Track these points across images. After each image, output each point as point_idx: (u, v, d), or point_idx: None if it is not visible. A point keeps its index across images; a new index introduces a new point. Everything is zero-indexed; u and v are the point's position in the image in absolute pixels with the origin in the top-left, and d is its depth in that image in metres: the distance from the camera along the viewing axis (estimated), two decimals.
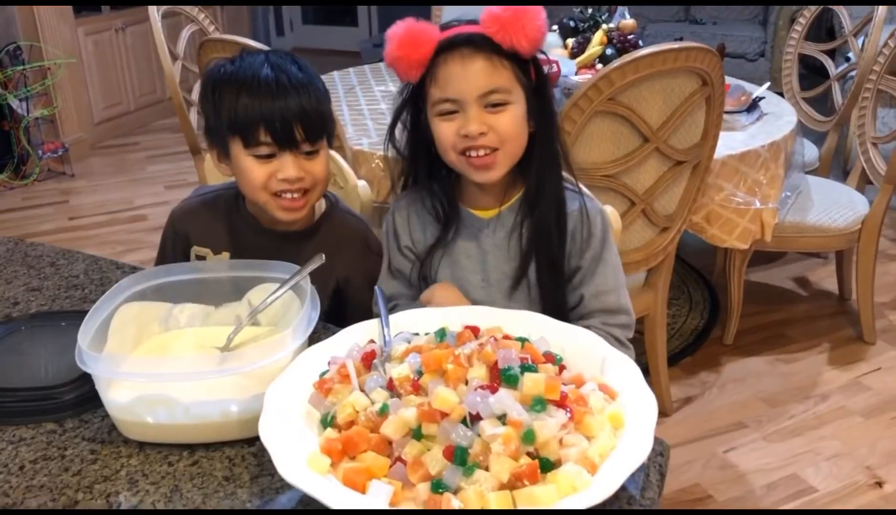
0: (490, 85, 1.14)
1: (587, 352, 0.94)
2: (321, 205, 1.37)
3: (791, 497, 2.02)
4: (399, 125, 1.25)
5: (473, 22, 1.17)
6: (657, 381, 2.29)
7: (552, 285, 1.22)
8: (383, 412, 0.82)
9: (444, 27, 1.17)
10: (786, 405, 2.38)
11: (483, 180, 1.20)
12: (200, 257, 1.34)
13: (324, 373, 0.92)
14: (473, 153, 1.16)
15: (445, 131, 1.17)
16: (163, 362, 0.98)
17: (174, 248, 1.38)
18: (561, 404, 0.81)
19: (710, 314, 2.86)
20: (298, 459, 0.79)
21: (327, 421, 0.86)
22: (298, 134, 1.20)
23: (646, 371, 2.31)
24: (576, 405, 0.81)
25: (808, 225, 2.53)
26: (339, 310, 1.34)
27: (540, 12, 1.14)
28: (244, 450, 0.92)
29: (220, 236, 1.34)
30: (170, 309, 1.10)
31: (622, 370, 0.90)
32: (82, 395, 0.99)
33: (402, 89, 1.25)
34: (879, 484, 2.05)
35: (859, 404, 2.38)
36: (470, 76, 1.14)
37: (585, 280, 1.23)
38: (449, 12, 3.67)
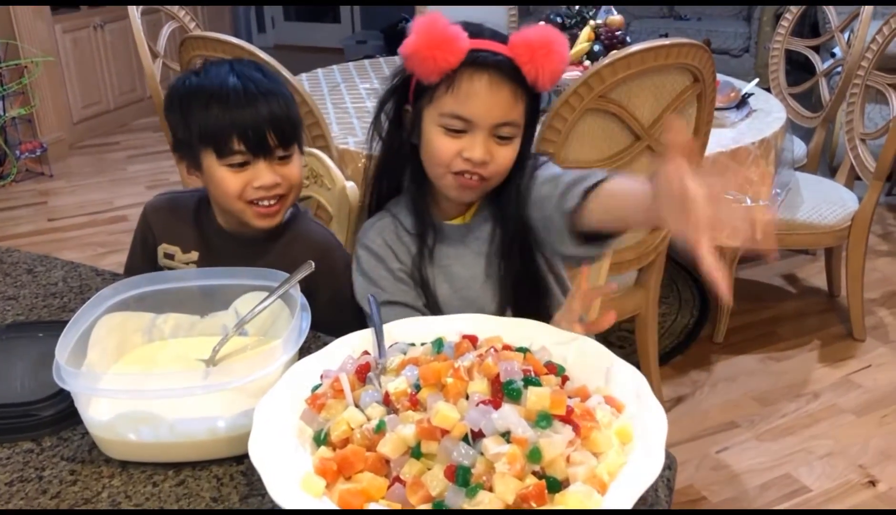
0: (508, 117, 1.12)
1: (590, 362, 0.91)
2: (287, 214, 1.34)
3: (785, 497, 2.01)
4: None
5: (501, 37, 1.14)
6: (649, 380, 2.25)
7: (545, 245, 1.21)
8: (380, 429, 0.78)
9: (471, 34, 1.12)
10: (777, 403, 2.36)
11: (458, 199, 1.21)
12: (168, 255, 1.33)
13: (316, 387, 0.88)
14: (466, 175, 1.15)
15: (446, 147, 1.14)
16: (145, 377, 0.93)
17: (143, 242, 1.37)
18: (567, 419, 0.77)
19: (700, 313, 2.84)
20: (291, 480, 0.75)
21: (321, 439, 0.81)
22: (271, 140, 1.20)
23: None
24: (582, 419, 0.78)
25: (799, 222, 2.51)
26: None
27: (565, 44, 1.11)
28: (233, 469, 0.88)
29: (189, 235, 1.33)
30: (153, 319, 1.06)
31: (628, 380, 0.87)
32: (61, 411, 0.94)
33: (394, 75, 1.21)
34: (873, 483, 2.04)
35: (851, 402, 2.37)
36: (494, 103, 1.11)
37: (546, 191, 1.16)
38: (432, 10, 3.63)
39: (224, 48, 1.98)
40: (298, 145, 1.26)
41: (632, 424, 0.80)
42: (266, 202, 1.23)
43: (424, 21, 1.11)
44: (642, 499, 0.78)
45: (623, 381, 0.87)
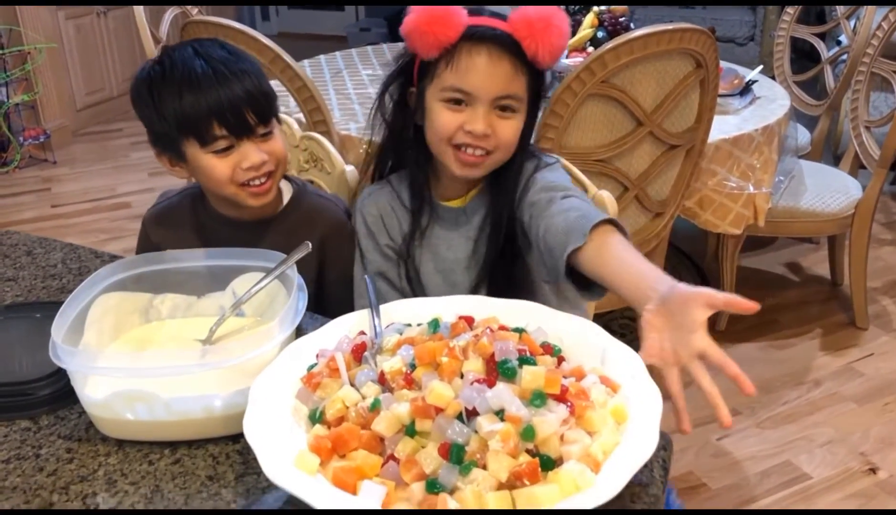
0: (508, 90, 1.13)
1: (587, 342, 0.90)
2: (288, 190, 1.34)
3: (785, 484, 2.01)
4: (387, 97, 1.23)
5: (501, 17, 1.14)
6: (650, 366, 2.26)
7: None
8: (375, 407, 0.78)
9: (471, 12, 1.13)
10: (779, 391, 2.36)
11: (463, 175, 1.19)
12: None
13: (312, 367, 0.88)
14: (469, 150, 1.15)
15: (447, 120, 1.14)
16: (141, 356, 0.93)
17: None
18: (561, 398, 0.77)
19: None
20: (285, 458, 0.75)
21: (316, 417, 0.82)
22: (251, 119, 1.17)
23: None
24: (577, 399, 0.78)
25: (802, 210, 2.50)
26: (318, 298, 1.30)
27: (565, 20, 1.11)
28: (228, 447, 0.88)
29: (190, 238, 1.29)
30: (150, 299, 1.06)
31: (624, 361, 0.86)
32: (58, 390, 0.95)
33: (398, 57, 1.22)
34: (874, 471, 2.03)
35: (852, 390, 2.36)
36: (493, 76, 1.12)
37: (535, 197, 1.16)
38: None
39: (227, 33, 1.98)
40: (276, 118, 1.24)
41: (627, 403, 0.80)
42: (257, 181, 1.20)
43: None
44: (637, 479, 0.78)
45: (619, 362, 0.87)
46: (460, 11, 1.11)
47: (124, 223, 3.63)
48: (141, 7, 2.67)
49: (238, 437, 0.87)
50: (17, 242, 1.40)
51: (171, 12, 2.94)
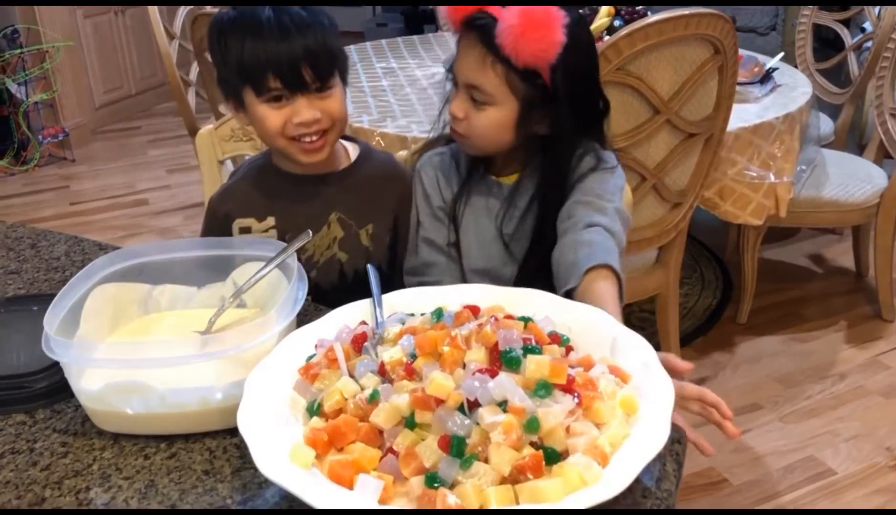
0: (474, 79, 1.16)
1: (596, 332, 0.87)
2: (355, 148, 1.35)
3: (809, 479, 1.96)
4: None
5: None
6: None
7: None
8: (373, 399, 0.75)
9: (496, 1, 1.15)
10: (802, 385, 2.31)
11: (465, 151, 1.27)
12: (245, 230, 1.29)
13: (310, 357, 0.85)
14: (453, 130, 1.22)
15: (451, 101, 1.21)
16: (135, 346, 0.91)
17: (216, 233, 1.32)
18: (568, 388, 0.74)
19: (723, 293, 2.78)
20: (280, 451, 0.72)
21: (313, 410, 0.79)
22: (307, 75, 1.16)
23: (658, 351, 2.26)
24: (584, 389, 0.74)
25: (825, 200, 2.44)
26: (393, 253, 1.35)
27: (553, 26, 1.09)
28: (226, 441, 0.86)
29: (259, 202, 1.29)
30: (149, 291, 1.03)
31: (635, 350, 0.83)
32: (55, 383, 0.93)
33: None
34: None
35: (878, 383, 2.30)
36: (464, 62, 1.17)
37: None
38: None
39: None
40: (342, 77, 1.23)
41: (637, 394, 0.76)
42: (309, 138, 1.19)
43: None
44: (648, 473, 0.75)
45: (629, 351, 0.83)
46: None
47: (143, 220, 3.64)
48: (155, 7, 2.66)
49: (235, 431, 0.83)
50: (21, 235, 1.39)
51: (185, 8, 2.94)
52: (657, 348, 0.84)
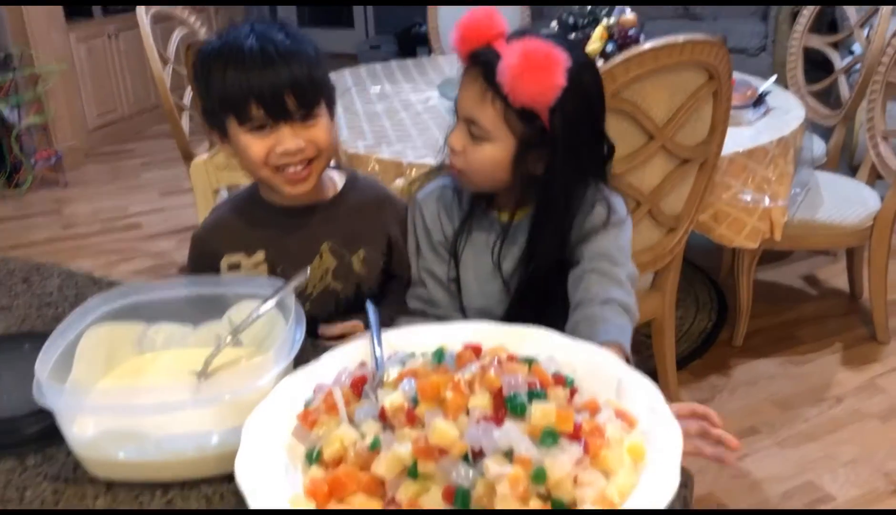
0: (471, 113, 1.15)
1: (601, 372, 0.85)
2: (342, 177, 1.33)
3: (808, 505, 1.94)
4: None
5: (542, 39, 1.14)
6: (666, 385, 2.20)
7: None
8: (374, 447, 0.74)
9: (512, 35, 1.15)
10: (799, 408, 2.29)
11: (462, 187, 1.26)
12: (234, 266, 1.27)
13: (309, 402, 0.83)
14: (451, 163, 1.21)
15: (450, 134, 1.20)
16: (129, 392, 0.88)
17: (203, 271, 1.29)
18: (574, 436, 0.72)
19: (718, 316, 2.77)
20: (279, 502, 0.71)
21: (313, 457, 0.77)
22: (291, 103, 1.14)
23: (654, 376, 2.24)
24: (591, 436, 0.72)
25: (819, 222, 2.44)
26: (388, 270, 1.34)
27: (554, 69, 1.08)
28: (223, 488, 0.84)
29: (247, 236, 1.27)
30: (144, 329, 1.01)
31: (641, 392, 0.81)
32: (46, 428, 0.90)
33: None
34: None
35: (875, 406, 2.29)
36: (465, 97, 1.16)
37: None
38: (444, 12, 3.60)
39: None
40: (328, 105, 1.22)
41: (645, 440, 0.75)
42: (293, 168, 1.18)
43: (463, 16, 1.17)
44: None
45: (636, 393, 0.82)
46: (472, 37, 1.14)
47: (136, 244, 3.62)
48: (147, 24, 2.65)
49: (233, 476, 0.82)
50: (14, 268, 1.37)
51: (178, 32, 2.93)
52: (653, 371, 0.83)
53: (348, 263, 1.28)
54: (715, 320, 2.75)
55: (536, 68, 1.06)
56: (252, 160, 1.17)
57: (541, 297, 1.21)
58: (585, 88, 1.15)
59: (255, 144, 1.16)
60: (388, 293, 1.33)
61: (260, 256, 1.26)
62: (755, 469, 2.06)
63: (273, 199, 1.27)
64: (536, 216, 1.20)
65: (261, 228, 1.27)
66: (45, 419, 0.91)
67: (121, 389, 0.93)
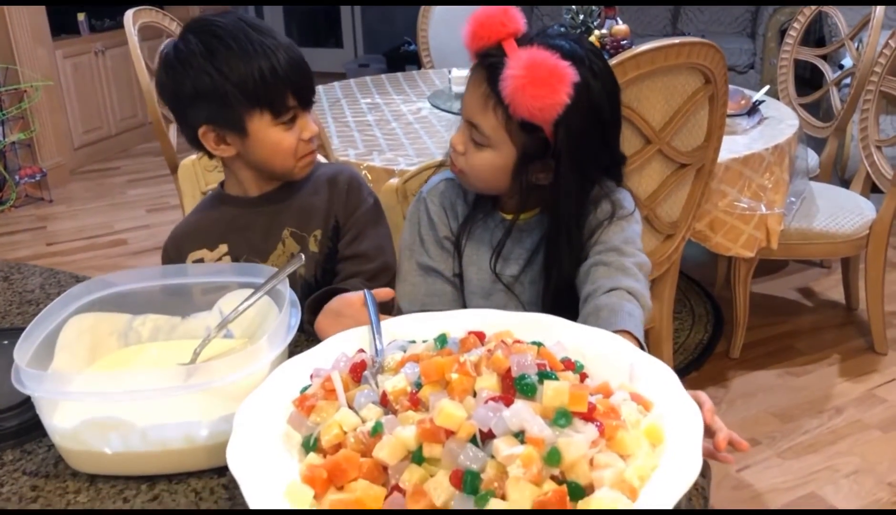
0: (473, 117, 1.12)
1: (612, 357, 0.81)
2: None
3: None
4: None
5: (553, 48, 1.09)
6: None
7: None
8: (376, 432, 0.69)
9: (522, 39, 1.10)
10: (799, 420, 2.26)
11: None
12: (198, 261, 1.25)
13: (305, 388, 0.79)
14: (453, 163, 1.18)
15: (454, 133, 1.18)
16: (114, 379, 0.83)
17: None
18: (589, 417, 0.68)
19: (714, 328, 2.74)
20: (275, 490, 0.66)
21: (310, 445, 0.72)
22: (312, 89, 1.19)
23: None
24: (606, 418, 0.68)
25: (815, 231, 2.42)
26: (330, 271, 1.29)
27: (558, 84, 1.02)
28: (213, 482, 0.79)
29: (210, 232, 1.26)
30: (129, 321, 0.96)
31: (655, 375, 0.77)
32: (25, 422, 0.85)
33: None
34: None
35: (875, 417, 2.26)
36: (469, 99, 1.13)
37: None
38: (438, 12, 3.58)
39: None
40: None
41: (662, 423, 0.70)
42: (308, 150, 1.21)
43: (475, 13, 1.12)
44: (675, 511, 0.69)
45: (650, 377, 0.77)
46: (484, 35, 1.09)
47: (121, 260, 3.56)
48: (135, 35, 2.62)
49: (223, 470, 0.77)
50: None
51: (165, 46, 2.90)
52: None
53: (307, 245, 1.26)
54: (711, 332, 2.72)
55: (538, 83, 1.01)
56: (284, 153, 1.17)
57: (566, 307, 1.15)
58: (595, 102, 1.09)
59: (287, 137, 1.16)
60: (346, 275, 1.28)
61: (223, 249, 1.25)
62: (756, 481, 2.02)
63: (237, 192, 1.26)
64: (550, 234, 1.17)
65: (222, 222, 1.26)
66: (23, 413, 0.87)
67: (105, 376, 0.88)
